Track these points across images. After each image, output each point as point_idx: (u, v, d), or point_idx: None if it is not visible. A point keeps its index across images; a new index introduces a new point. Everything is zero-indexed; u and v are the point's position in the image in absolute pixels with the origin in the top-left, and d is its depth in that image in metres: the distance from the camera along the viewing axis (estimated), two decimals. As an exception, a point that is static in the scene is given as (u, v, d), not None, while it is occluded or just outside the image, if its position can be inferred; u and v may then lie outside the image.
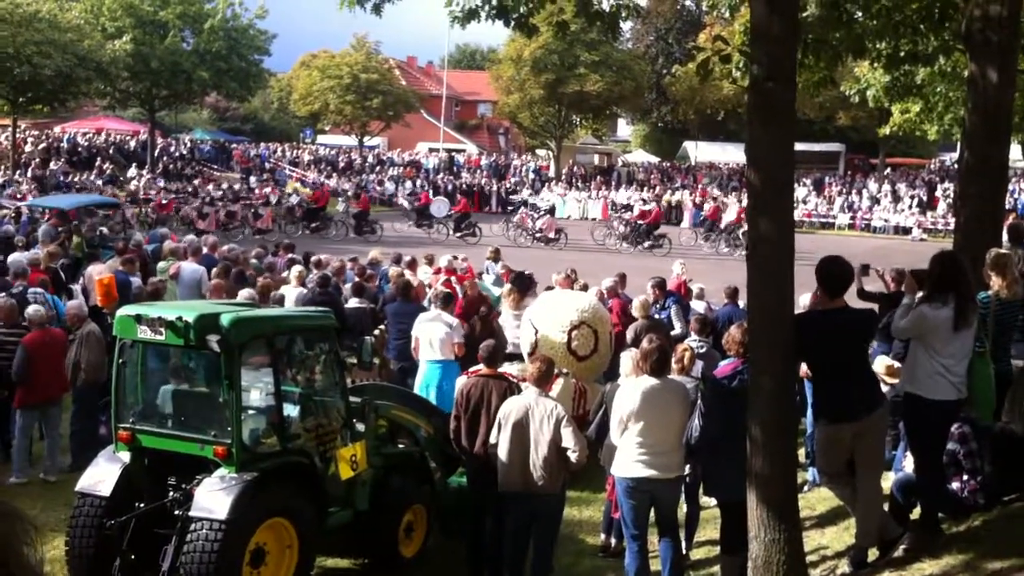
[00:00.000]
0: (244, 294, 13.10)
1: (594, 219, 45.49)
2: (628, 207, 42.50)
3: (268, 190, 44.04)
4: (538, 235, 37.37)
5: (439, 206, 41.21)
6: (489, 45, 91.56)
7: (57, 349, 11.79)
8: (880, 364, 9.74)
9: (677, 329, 13.83)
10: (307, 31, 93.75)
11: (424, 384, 12.41)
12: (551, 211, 44.70)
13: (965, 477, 8.10)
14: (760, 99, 7.04)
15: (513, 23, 10.66)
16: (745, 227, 36.41)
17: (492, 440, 8.72)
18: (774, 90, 6.93)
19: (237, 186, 45.57)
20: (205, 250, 17.70)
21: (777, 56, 6.97)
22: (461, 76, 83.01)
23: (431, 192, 49.53)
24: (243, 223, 36.65)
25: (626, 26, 62.72)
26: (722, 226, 39.39)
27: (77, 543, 8.18)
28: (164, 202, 36.74)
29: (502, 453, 8.55)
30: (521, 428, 8.43)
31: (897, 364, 9.37)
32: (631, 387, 8.28)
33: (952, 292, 7.36)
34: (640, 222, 38.18)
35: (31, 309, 11.97)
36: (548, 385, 8.84)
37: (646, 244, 36.85)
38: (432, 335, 12.47)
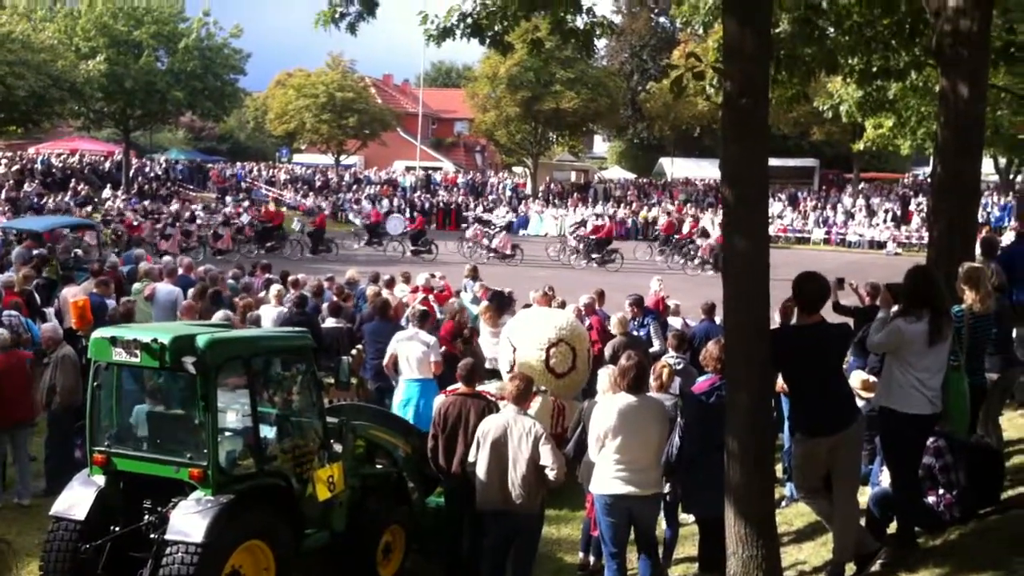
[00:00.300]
0: (219, 315, 13.01)
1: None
2: (583, 223, 43.24)
3: (229, 210, 43.43)
4: (493, 252, 37.67)
5: (395, 223, 41.32)
6: (465, 63, 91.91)
7: (23, 372, 11.64)
8: (856, 379, 9.78)
9: (656, 346, 13.85)
10: (282, 50, 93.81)
11: (402, 403, 12.35)
12: (507, 227, 45.07)
13: (941, 491, 8.12)
14: (734, 115, 7.08)
15: (488, 41, 10.69)
16: (698, 241, 37.73)
17: (471, 459, 8.70)
18: (747, 106, 6.97)
19: (195, 206, 44.82)
20: (180, 271, 17.60)
21: (750, 73, 7.01)
22: (437, 94, 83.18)
23: (408, 211, 49.64)
24: (201, 243, 35.99)
25: (600, 43, 63.01)
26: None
27: (52, 567, 8.07)
28: (135, 224, 36.26)
29: (480, 471, 8.54)
30: (499, 446, 8.42)
31: (873, 379, 9.41)
32: (608, 404, 8.28)
33: (927, 307, 7.40)
34: (592, 237, 38.70)
35: None
36: (526, 403, 8.83)
37: (596, 257, 37.40)
38: (409, 353, 12.43)
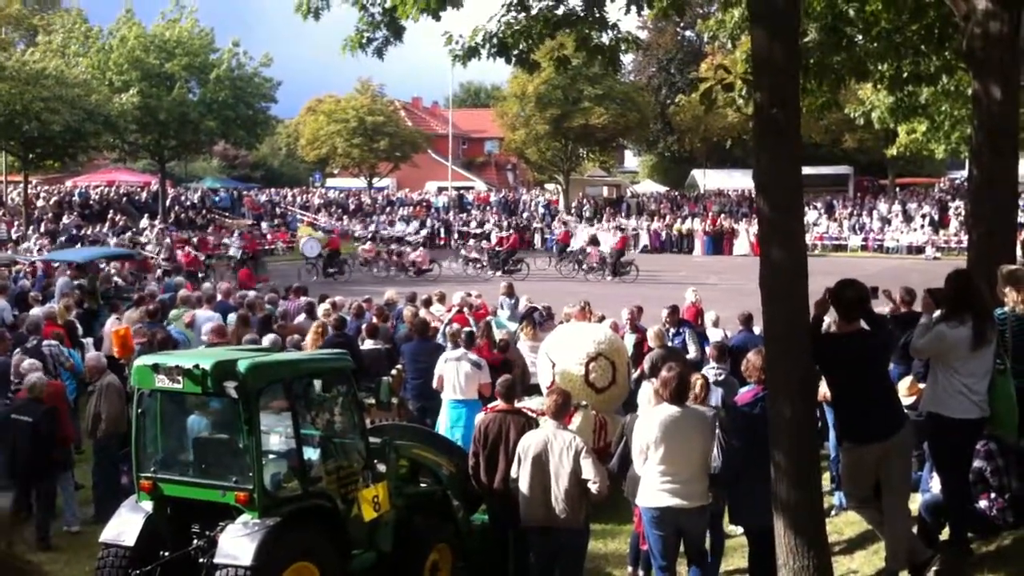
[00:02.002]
0: (247, 338, 13.08)
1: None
2: (487, 236, 45.10)
3: (210, 239, 42.60)
4: (410, 268, 38.43)
5: (311, 245, 41.61)
6: (493, 82, 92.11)
7: (56, 401, 11.74)
8: (903, 385, 9.72)
9: (692, 353, 13.83)
10: (311, 77, 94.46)
11: (449, 425, 12.40)
12: (424, 244, 46.54)
13: (992, 495, 8.03)
14: (765, 126, 7.07)
15: (514, 60, 10.72)
16: (588, 249, 38.88)
17: (513, 475, 8.71)
18: (778, 116, 6.96)
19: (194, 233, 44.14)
20: (219, 297, 17.76)
21: (780, 83, 7.01)
22: (466, 114, 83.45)
23: (442, 231, 49.98)
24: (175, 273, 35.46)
25: (627, 58, 63.06)
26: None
27: (103, 594, 8.17)
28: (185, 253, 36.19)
29: (523, 487, 8.53)
30: (541, 462, 8.42)
31: (921, 384, 9.32)
32: (651, 416, 8.26)
33: (969, 311, 7.34)
34: (498, 248, 40.26)
35: (26, 363, 11.99)
36: (566, 418, 8.82)
37: (502, 267, 38.66)
38: (456, 374, 12.47)
